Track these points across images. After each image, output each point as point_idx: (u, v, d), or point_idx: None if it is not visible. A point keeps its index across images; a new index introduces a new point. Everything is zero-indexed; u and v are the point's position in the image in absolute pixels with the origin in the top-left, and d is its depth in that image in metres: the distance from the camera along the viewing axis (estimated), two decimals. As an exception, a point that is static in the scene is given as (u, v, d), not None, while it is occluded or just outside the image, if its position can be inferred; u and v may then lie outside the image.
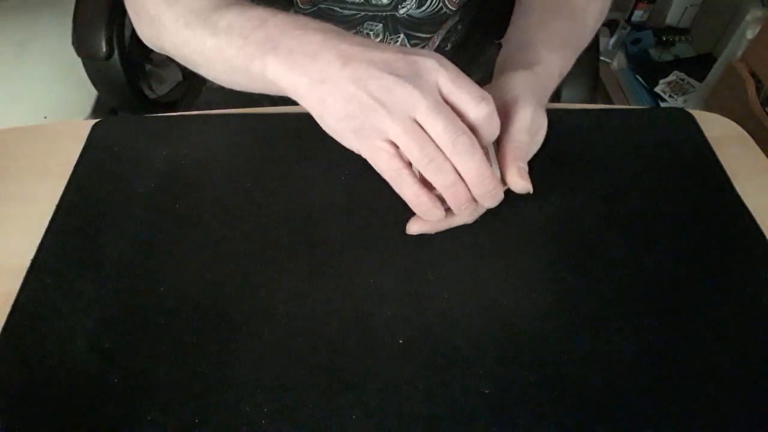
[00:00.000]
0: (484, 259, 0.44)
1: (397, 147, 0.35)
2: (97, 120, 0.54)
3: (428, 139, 0.34)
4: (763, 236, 0.45)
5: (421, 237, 0.44)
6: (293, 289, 0.42)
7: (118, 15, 0.71)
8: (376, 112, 0.34)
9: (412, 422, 0.35)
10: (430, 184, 0.36)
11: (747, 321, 0.40)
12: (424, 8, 0.60)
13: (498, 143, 0.40)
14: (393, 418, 0.35)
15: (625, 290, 0.42)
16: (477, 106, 0.35)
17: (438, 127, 0.34)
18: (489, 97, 0.35)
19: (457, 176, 0.35)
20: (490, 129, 0.36)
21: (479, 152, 0.35)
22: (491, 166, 0.36)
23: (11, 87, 1.11)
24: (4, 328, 0.39)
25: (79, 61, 0.73)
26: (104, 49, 0.69)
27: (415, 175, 0.36)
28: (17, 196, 0.49)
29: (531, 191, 0.39)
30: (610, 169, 0.51)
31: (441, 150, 0.34)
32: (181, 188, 0.48)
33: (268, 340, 0.39)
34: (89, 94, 1.06)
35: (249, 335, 0.39)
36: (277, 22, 0.38)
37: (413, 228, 0.42)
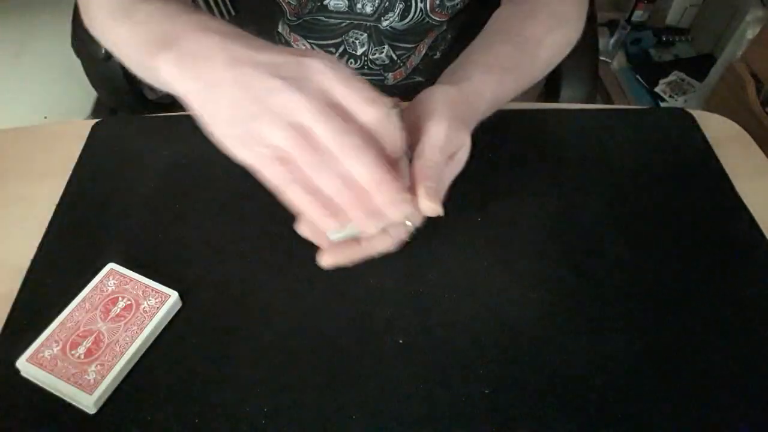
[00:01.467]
0: (485, 260, 0.43)
1: (284, 154, 0.32)
2: (97, 120, 0.54)
3: (312, 144, 0.31)
4: (763, 236, 0.45)
5: (421, 237, 0.44)
6: (293, 289, 0.42)
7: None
8: (258, 118, 0.32)
9: (412, 422, 0.35)
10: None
11: (747, 321, 0.40)
12: (406, 21, 0.60)
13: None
14: (393, 418, 0.35)
15: (625, 290, 0.42)
16: (367, 108, 0.32)
17: (319, 129, 0.31)
18: (382, 100, 0.32)
19: (346, 180, 0.32)
20: (388, 134, 0.33)
21: (370, 154, 0.31)
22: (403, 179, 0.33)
23: (11, 87, 1.12)
24: (4, 328, 0.39)
25: (78, 61, 0.73)
26: (103, 51, 0.68)
27: (307, 184, 0.33)
28: (17, 196, 0.49)
29: (441, 214, 0.35)
30: (610, 169, 0.51)
31: (330, 154, 0.32)
32: (181, 188, 0.48)
33: (268, 340, 0.39)
34: (89, 94, 1.06)
35: (249, 335, 0.39)
36: (184, 20, 0.36)
37: (326, 260, 0.37)
